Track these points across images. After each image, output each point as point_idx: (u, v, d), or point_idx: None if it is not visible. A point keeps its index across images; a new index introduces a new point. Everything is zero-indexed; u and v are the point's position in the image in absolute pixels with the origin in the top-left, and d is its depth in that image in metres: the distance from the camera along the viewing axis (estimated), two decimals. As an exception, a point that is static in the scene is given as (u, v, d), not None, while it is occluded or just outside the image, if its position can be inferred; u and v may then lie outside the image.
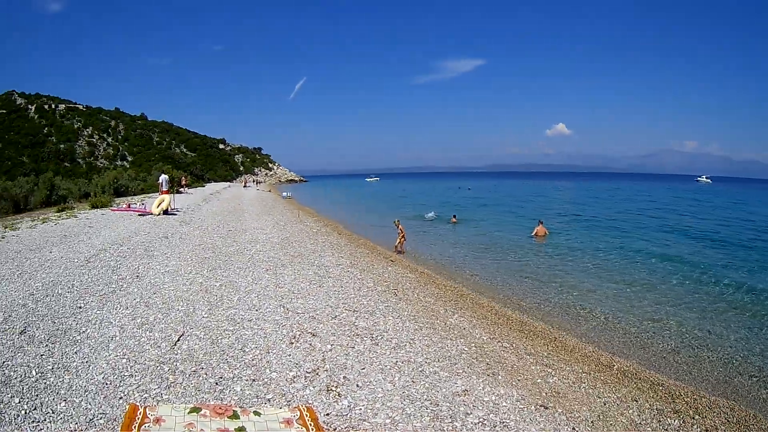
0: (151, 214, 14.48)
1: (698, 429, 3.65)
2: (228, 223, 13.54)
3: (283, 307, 5.35)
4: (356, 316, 5.23)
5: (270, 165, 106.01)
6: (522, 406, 3.41)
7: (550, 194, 49.25)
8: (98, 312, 4.87)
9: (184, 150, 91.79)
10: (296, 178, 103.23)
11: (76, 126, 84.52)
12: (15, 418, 2.84)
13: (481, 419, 3.13)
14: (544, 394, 3.74)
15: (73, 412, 2.93)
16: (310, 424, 2.62)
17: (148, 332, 4.35)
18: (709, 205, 33.04)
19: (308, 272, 7.30)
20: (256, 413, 2.68)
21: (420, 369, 3.89)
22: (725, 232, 17.49)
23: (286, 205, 25.32)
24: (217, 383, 3.40)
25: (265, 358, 3.90)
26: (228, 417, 2.57)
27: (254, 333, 4.46)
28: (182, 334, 4.32)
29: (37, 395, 3.11)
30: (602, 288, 8.87)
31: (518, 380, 3.97)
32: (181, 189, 31.33)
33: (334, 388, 3.41)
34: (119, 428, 2.51)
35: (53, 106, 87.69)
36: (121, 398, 3.12)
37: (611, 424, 3.40)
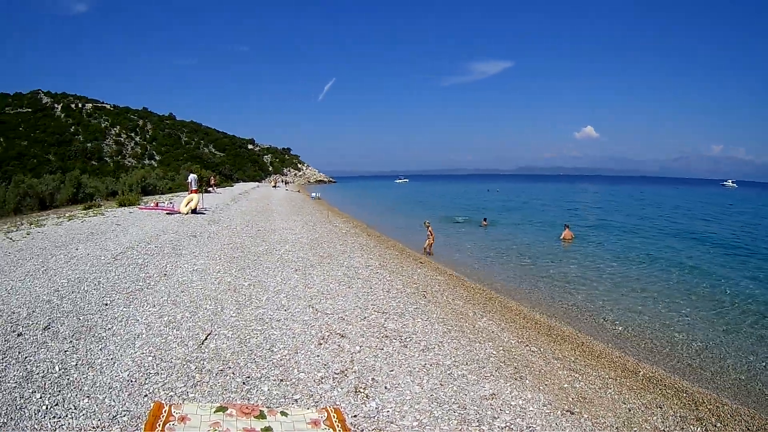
0: (179, 212, 14.44)
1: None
2: (257, 223, 13.52)
3: (312, 307, 5.37)
4: (385, 318, 5.24)
5: (299, 165, 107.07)
6: (548, 411, 3.43)
7: (577, 197, 48.14)
8: (125, 309, 4.87)
9: (213, 150, 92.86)
10: (325, 179, 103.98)
11: (103, 125, 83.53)
12: (36, 414, 2.83)
13: (507, 423, 3.17)
14: (570, 399, 3.75)
15: (96, 409, 2.92)
16: (338, 426, 2.63)
17: (175, 330, 4.35)
18: (736, 212, 31.64)
19: (337, 273, 7.35)
20: (283, 413, 2.69)
21: (448, 372, 3.91)
22: (758, 242, 16.75)
23: (315, 206, 25.48)
24: (244, 383, 3.41)
25: (294, 358, 3.90)
26: (254, 417, 2.58)
27: (282, 333, 4.46)
28: (210, 333, 4.32)
29: (59, 391, 3.10)
30: (628, 294, 8.72)
31: (545, 385, 3.97)
32: (210, 188, 31.42)
33: (362, 390, 3.42)
34: (143, 426, 2.51)
35: (80, 105, 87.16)
36: (146, 396, 3.11)
37: (636, 431, 3.41)
